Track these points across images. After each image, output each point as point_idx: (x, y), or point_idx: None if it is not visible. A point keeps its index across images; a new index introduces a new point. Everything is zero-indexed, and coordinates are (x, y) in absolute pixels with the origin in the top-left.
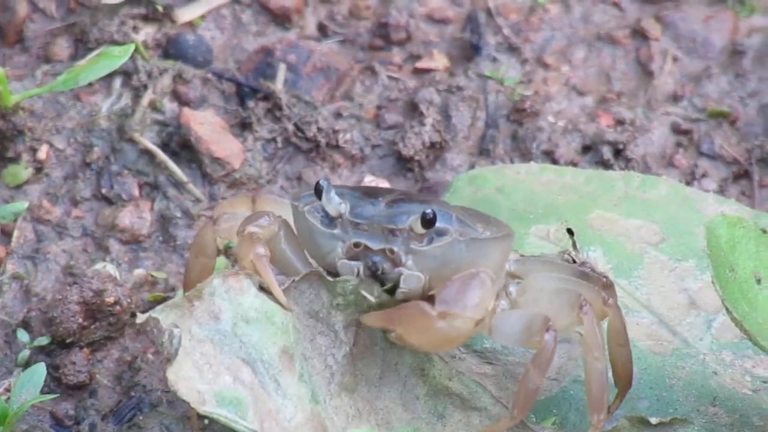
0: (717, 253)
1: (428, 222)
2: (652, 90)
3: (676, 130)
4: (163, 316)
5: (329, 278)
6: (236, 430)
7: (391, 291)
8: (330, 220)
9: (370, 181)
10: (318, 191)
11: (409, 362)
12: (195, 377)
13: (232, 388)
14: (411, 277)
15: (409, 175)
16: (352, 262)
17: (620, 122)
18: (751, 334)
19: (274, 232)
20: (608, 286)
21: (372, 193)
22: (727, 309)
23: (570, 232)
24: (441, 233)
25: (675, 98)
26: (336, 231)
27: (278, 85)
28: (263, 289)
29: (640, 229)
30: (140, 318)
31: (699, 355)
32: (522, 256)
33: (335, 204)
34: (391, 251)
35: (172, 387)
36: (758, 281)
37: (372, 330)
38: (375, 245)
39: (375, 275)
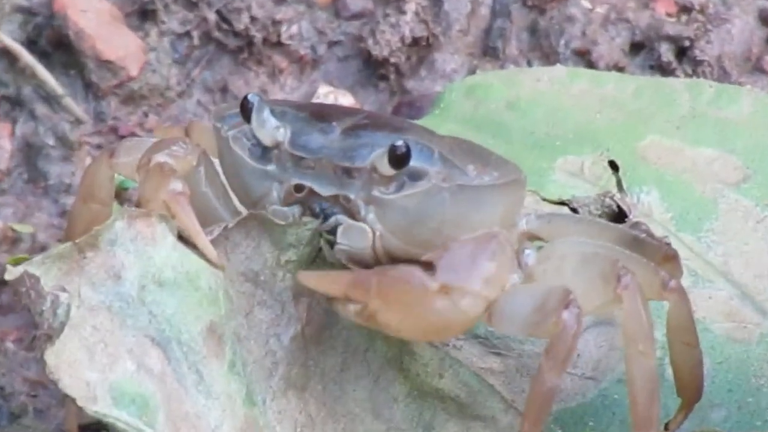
0: None
1: (398, 159)
2: None
3: (767, 19)
4: (43, 271)
5: (277, 221)
6: None
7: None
8: (263, 152)
9: (325, 93)
10: (246, 110)
11: (384, 350)
12: (83, 361)
13: (136, 379)
14: (353, 229)
15: (381, 84)
16: (286, 208)
17: (685, 9)
18: None
19: (191, 166)
20: (670, 259)
21: (324, 115)
22: None
23: (613, 166)
24: (416, 176)
25: None
26: (271, 167)
27: None
28: (183, 239)
29: (713, 163)
30: (10, 273)
31: None
32: (548, 212)
33: (270, 129)
34: (347, 199)
35: (51, 374)
36: None
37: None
38: (324, 190)
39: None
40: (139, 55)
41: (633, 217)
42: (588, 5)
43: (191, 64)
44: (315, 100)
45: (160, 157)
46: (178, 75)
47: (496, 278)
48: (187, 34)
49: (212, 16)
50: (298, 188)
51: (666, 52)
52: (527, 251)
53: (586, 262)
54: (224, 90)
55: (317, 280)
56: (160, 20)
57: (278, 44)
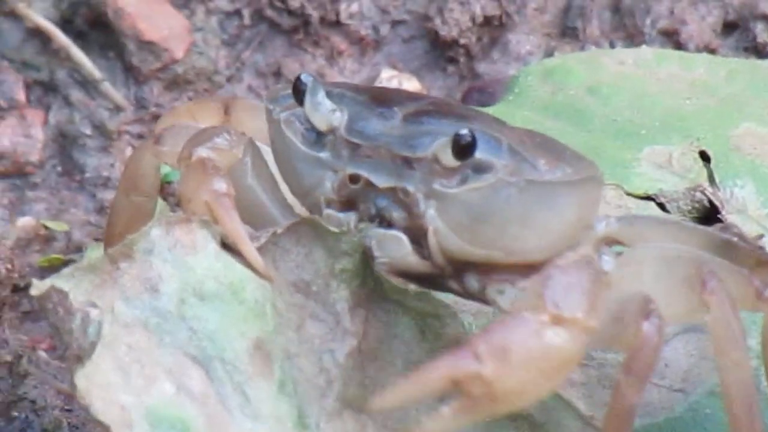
0: None
1: (462, 149)
2: None
3: None
4: (73, 285)
5: (331, 228)
6: None
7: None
8: (317, 137)
9: (388, 78)
10: (298, 91)
11: None
12: (117, 384)
13: (175, 402)
14: (387, 239)
15: (450, 68)
16: (342, 215)
17: None
18: None
19: (237, 158)
20: (764, 264)
21: (384, 100)
22: None
23: (704, 157)
24: (481, 169)
25: None
26: (325, 154)
27: None
28: (227, 246)
29: None
30: (36, 288)
31: None
32: (629, 215)
33: (325, 112)
34: (405, 192)
35: (82, 398)
36: None
37: (392, 312)
38: (381, 181)
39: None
40: (185, 36)
41: (726, 212)
42: None
43: (241, 45)
44: (377, 85)
45: (203, 151)
46: (226, 57)
47: (599, 307)
48: (237, 12)
49: None
50: (353, 179)
51: (762, 32)
52: (605, 257)
53: (668, 266)
54: (277, 74)
55: (407, 389)
56: None
57: (337, 24)
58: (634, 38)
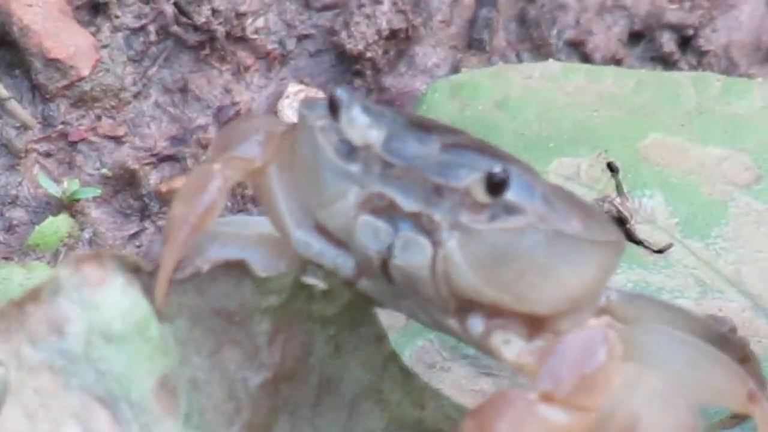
0: None
1: (496, 186)
2: None
3: None
4: None
5: (259, 274)
6: None
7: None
8: (350, 150)
9: (296, 92)
10: (334, 107)
11: (358, 377)
12: (24, 430)
13: None
14: (413, 243)
15: (357, 81)
16: (380, 222)
17: None
18: None
19: (256, 168)
20: (747, 360)
21: (423, 126)
22: None
23: (612, 168)
24: (512, 210)
25: None
26: (354, 168)
27: None
28: (143, 271)
29: (721, 163)
30: None
31: None
32: (630, 291)
33: (363, 127)
34: (430, 220)
35: None
36: None
37: (310, 332)
38: (408, 204)
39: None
40: (91, 53)
41: (635, 222)
42: None
43: (148, 61)
44: (285, 100)
45: (218, 167)
46: (133, 74)
47: (604, 385)
48: (143, 28)
49: (170, 9)
50: (380, 197)
51: (668, 41)
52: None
53: (706, 365)
54: (184, 90)
55: None
56: (112, 14)
57: (243, 39)
58: (540, 49)
